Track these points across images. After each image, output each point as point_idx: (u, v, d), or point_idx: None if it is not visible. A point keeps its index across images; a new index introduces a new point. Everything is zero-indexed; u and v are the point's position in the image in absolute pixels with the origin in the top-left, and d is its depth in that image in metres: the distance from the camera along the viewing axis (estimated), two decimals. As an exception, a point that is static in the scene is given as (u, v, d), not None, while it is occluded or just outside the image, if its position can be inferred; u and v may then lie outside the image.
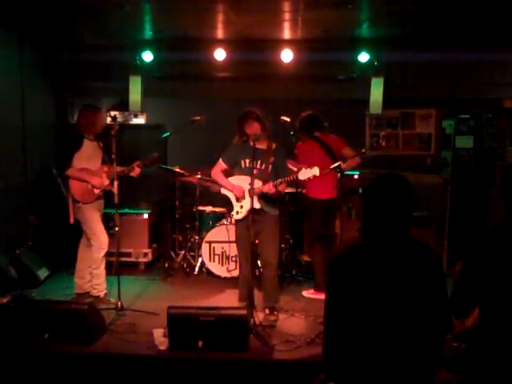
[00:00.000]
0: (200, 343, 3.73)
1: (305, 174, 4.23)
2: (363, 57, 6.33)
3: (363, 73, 6.56)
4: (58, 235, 5.85)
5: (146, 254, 6.13)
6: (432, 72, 6.59)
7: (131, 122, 7.16)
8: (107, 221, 5.05)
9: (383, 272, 2.10)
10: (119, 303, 4.61)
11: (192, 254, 6.09)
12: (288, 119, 5.42)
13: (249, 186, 4.34)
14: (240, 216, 4.59)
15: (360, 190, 5.75)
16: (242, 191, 4.55)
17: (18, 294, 4.87)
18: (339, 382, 2.16)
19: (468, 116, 8.89)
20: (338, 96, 6.83)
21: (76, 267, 5.01)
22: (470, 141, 8.94)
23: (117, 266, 4.90)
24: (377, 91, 6.40)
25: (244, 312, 3.93)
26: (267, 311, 4.61)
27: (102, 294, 4.91)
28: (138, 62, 6.45)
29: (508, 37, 5.83)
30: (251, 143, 4.36)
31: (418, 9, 5.01)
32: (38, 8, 5.12)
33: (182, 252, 6.11)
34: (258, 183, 4.39)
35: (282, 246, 5.64)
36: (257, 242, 4.69)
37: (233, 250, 5.52)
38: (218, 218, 5.99)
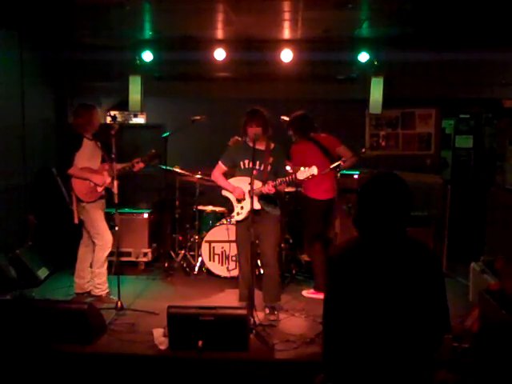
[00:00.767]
0: (200, 343, 3.74)
1: (303, 173, 4.23)
2: (363, 57, 6.34)
3: (363, 73, 6.56)
4: (58, 235, 5.85)
5: (145, 254, 6.13)
6: (432, 72, 6.58)
7: (131, 122, 7.17)
8: (108, 220, 5.05)
9: (381, 271, 2.10)
10: (119, 303, 4.62)
11: (192, 253, 6.10)
12: (288, 119, 5.42)
13: (249, 187, 4.35)
14: (241, 217, 4.59)
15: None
16: (242, 193, 4.55)
17: (18, 294, 4.88)
18: (338, 383, 2.16)
19: (468, 116, 8.88)
20: (338, 96, 6.83)
21: (76, 267, 5.03)
22: (469, 141, 8.93)
23: (117, 266, 4.91)
24: (377, 91, 6.40)
25: (244, 312, 3.93)
26: (267, 311, 4.62)
27: (104, 294, 4.93)
28: (138, 61, 6.45)
29: (508, 37, 5.83)
30: (250, 144, 4.37)
31: (418, 9, 5.02)
32: (37, 8, 5.12)
33: (182, 252, 6.11)
34: (257, 184, 4.39)
35: (282, 245, 5.65)
36: (257, 241, 4.69)
37: (233, 250, 5.52)
38: (217, 218, 6.00)
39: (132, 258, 6.09)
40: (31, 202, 6.06)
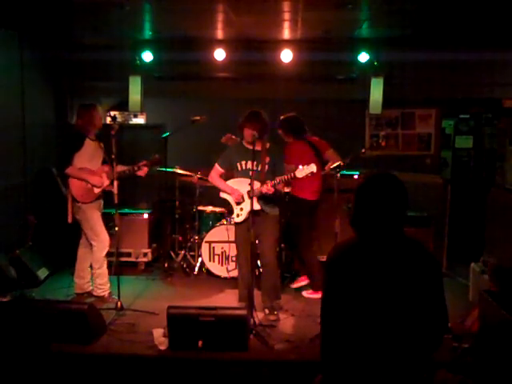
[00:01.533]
0: (200, 343, 3.74)
1: (302, 171, 4.23)
2: (363, 57, 6.34)
3: (363, 73, 6.57)
4: (58, 235, 5.84)
5: (145, 254, 6.13)
6: (432, 72, 6.59)
7: (131, 122, 7.17)
8: (107, 221, 5.05)
9: (378, 271, 2.10)
10: (119, 303, 4.62)
11: (192, 253, 6.10)
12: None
13: (247, 188, 4.34)
14: (241, 218, 4.59)
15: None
16: (240, 195, 4.55)
17: (18, 294, 4.88)
18: (337, 383, 2.16)
19: (468, 116, 8.88)
20: (338, 96, 6.83)
21: (76, 267, 5.03)
22: (469, 141, 8.93)
23: (117, 266, 4.90)
24: (377, 91, 6.41)
25: (244, 312, 3.93)
26: (267, 311, 4.62)
27: (106, 294, 4.93)
28: (138, 61, 6.45)
29: (508, 37, 5.83)
30: (246, 145, 4.37)
31: (418, 9, 5.02)
32: (37, 8, 5.12)
33: (182, 252, 6.11)
34: (256, 184, 4.38)
35: (282, 245, 5.65)
36: (257, 242, 4.69)
37: (232, 250, 5.52)
38: (217, 218, 6.00)
39: (132, 259, 6.09)
40: (31, 202, 6.06)
